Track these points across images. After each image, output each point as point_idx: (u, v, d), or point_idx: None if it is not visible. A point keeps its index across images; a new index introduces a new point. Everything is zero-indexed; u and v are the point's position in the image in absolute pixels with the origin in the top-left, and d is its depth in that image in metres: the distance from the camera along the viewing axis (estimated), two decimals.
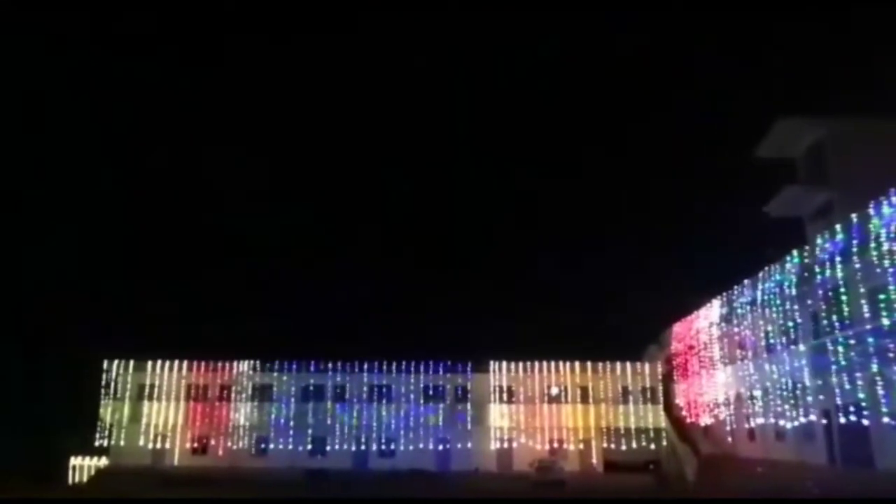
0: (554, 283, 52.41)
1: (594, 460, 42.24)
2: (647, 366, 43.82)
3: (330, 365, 43.75)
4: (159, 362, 44.04)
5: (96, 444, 42.87)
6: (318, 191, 62.92)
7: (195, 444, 42.95)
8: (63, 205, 64.30)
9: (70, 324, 49.49)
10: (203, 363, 44.33)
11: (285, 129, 65.21)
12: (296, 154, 67.27)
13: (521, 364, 44.24)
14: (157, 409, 43.34)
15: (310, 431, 42.93)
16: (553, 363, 43.87)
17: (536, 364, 44.00)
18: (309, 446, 42.44)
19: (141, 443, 42.83)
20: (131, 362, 44.08)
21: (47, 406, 44.15)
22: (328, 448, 42.37)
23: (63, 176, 66.79)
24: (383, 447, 42.56)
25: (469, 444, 42.55)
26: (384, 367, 43.88)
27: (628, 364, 43.77)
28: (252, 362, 44.31)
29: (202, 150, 62.33)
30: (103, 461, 42.84)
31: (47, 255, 55.31)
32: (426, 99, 66.70)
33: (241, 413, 43.43)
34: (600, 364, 43.55)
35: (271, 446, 42.70)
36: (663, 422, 42.20)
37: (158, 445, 42.74)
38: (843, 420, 23.73)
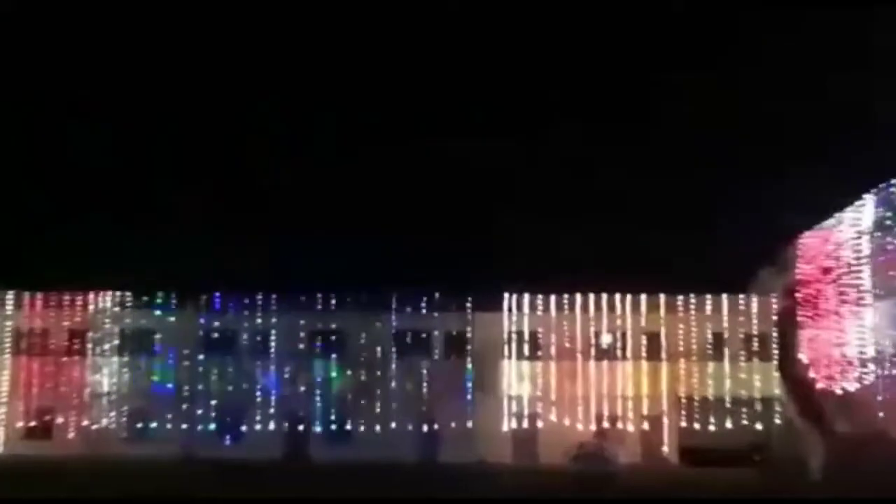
0: (606, 170, 44.49)
1: (665, 447, 38.17)
2: (754, 301, 39.16)
3: (246, 300, 38.26)
4: None
5: None
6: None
7: (31, 423, 37.83)
8: None
9: None
10: (40, 296, 38.58)
11: None
12: None
13: (552, 298, 38.48)
14: None
15: (214, 403, 37.46)
16: (605, 297, 38.46)
17: (578, 298, 38.39)
18: (213, 425, 37.61)
19: None
20: None
21: None
22: (244, 428, 37.54)
23: None
24: (333, 428, 37.57)
25: (469, 424, 37.26)
26: (333, 302, 38.11)
27: (724, 299, 38.91)
28: (119, 295, 38.57)
29: None
30: None
31: None
32: None
33: (105, 373, 37.87)
34: (679, 299, 38.72)
35: (153, 425, 37.39)
36: (778, 388, 38.23)
37: None
38: None
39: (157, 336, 38.57)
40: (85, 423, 37.77)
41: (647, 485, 31.99)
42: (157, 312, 38.43)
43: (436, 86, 45.63)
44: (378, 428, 37.49)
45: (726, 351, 38.59)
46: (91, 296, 38.70)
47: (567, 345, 38.25)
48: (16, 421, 37.93)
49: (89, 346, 38.42)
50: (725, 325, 38.72)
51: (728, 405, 38.18)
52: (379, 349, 38.12)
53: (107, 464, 33.68)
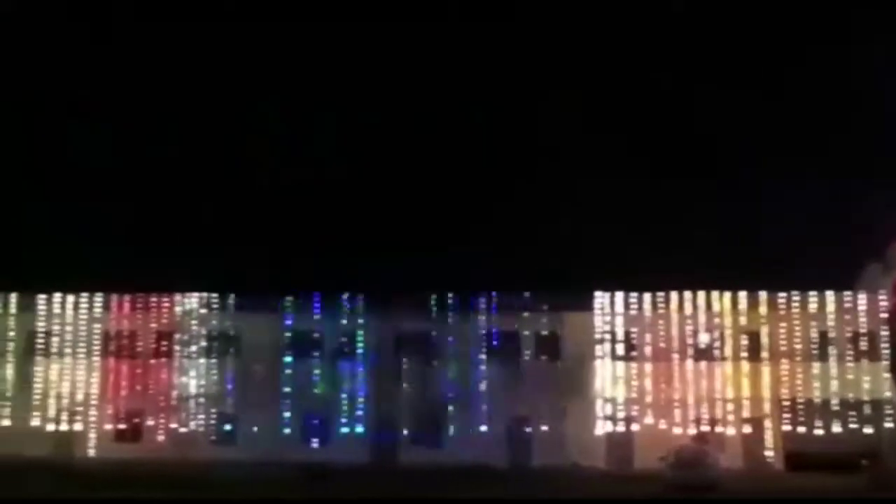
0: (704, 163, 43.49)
1: (769, 451, 37.15)
2: (862, 298, 38.06)
3: (332, 302, 38.96)
4: (58, 297, 39.45)
5: None
6: None
7: (121, 426, 38.35)
8: None
9: None
10: (128, 299, 39.39)
11: None
12: None
13: (647, 296, 37.96)
14: (58, 369, 38.92)
15: (301, 405, 37.98)
16: (703, 294, 37.80)
17: (674, 296, 37.80)
18: (302, 428, 38.10)
19: (36, 423, 38.50)
20: (13, 297, 39.60)
21: None
22: (331, 431, 37.95)
23: None
24: (421, 430, 37.73)
25: (561, 427, 37.00)
26: (421, 304, 38.35)
27: (830, 296, 37.82)
28: (205, 297, 39.37)
29: None
30: None
31: None
32: None
33: (192, 376, 38.66)
34: (782, 296, 37.73)
35: (240, 428, 38.00)
36: (889, 389, 37.04)
37: (64, 427, 38.58)
38: None
39: (243, 337, 39.04)
40: (173, 425, 38.34)
41: (751, 490, 31.10)
42: (243, 314, 38.96)
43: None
44: (468, 430, 37.37)
45: (832, 351, 37.26)
46: (178, 297, 39.40)
47: (662, 345, 37.74)
48: (105, 423, 38.68)
49: (176, 348, 39.06)
50: (831, 323, 37.43)
51: (835, 408, 37.00)
52: (467, 349, 38.13)
53: (196, 467, 33.93)
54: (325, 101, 44.95)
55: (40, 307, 39.54)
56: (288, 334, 38.84)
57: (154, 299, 39.52)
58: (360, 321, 38.76)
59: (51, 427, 38.58)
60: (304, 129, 44.95)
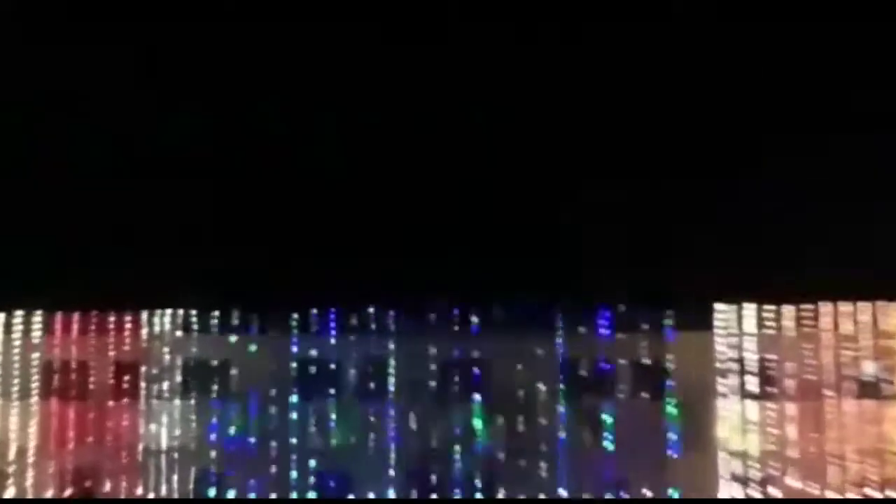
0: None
1: None
2: None
3: (354, 320, 30.52)
4: None
5: None
6: None
7: (68, 491, 30.05)
8: None
9: None
10: (76, 319, 31.57)
11: None
12: None
13: (788, 310, 29.15)
14: None
15: (312, 461, 29.46)
16: (860, 307, 28.92)
17: (821, 308, 29.29)
18: (313, 490, 29.62)
19: None
20: None
21: None
22: (353, 494, 29.54)
23: None
24: (477, 495, 29.12)
25: (670, 490, 28.92)
26: (473, 321, 30.69)
27: None
28: (181, 314, 31.02)
29: None
30: None
31: None
32: None
33: (163, 422, 31.10)
34: None
35: (230, 493, 29.50)
36: None
37: None
38: None
39: (234, 370, 30.22)
40: (138, 490, 29.62)
41: None
42: (234, 338, 30.02)
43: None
44: (541, 495, 28.74)
45: None
46: (144, 316, 30.56)
47: (812, 377, 28.78)
48: (46, 488, 29.89)
49: (142, 384, 30.24)
50: None
51: None
52: (537, 384, 29.28)
53: None
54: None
55: None
56: (294, 364, 30.02)
57: (112, 319, 30.83)
58: (392, 345, 29.78)
59: None
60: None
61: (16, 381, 30.38)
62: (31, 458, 29.98)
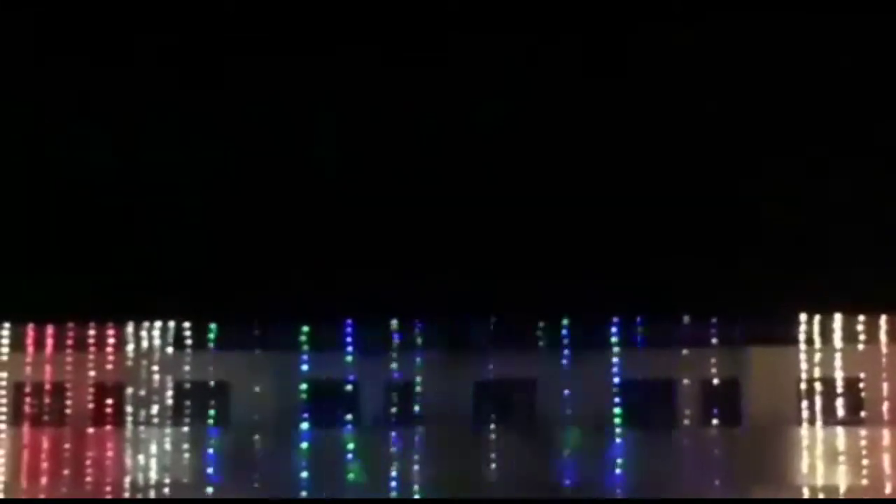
0: None
1: None
2: None
3: (373, 334, 26.67)
4: None
5: None
6: None
7: None
8: None
9: None
10: (51, 333, 27.59)
11: None
12: None
13: (884, 318, 25.97)
14: None
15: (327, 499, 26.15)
16: None
17: None
18: None
19: None
20: None
21: None
22: None
23: None
24: None
25: None
26: (517, 338, 26.10)
27: None
28: (172, 328, 27.22)
29: None
30: None
31: None
32: None
33: (152, 453, 27.01)
34: None
35: None
36: None
37: None
38: None
39: (234, 393, 26.44)
40: None
41: None
42: (234, 355, 26.20)
43: None
44: None
45: None
46: (129, 329, 26.72)
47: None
48: None
49: (128, 409, 26.61)
50: None
51: None
52: (590, 409, 25.37)
53: None
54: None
55: None
56: (304, 386, 26.08)
57: (93, 333, 26.94)
58: (420, 363, 25.92)
59: None
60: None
61: None
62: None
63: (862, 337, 25.02)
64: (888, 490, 24.29)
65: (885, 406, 24.72)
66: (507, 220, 28.01)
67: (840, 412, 25.03)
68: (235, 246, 28.35)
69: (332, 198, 29.20)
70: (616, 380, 25.41)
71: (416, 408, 25.91)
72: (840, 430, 24.83)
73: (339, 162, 30.25)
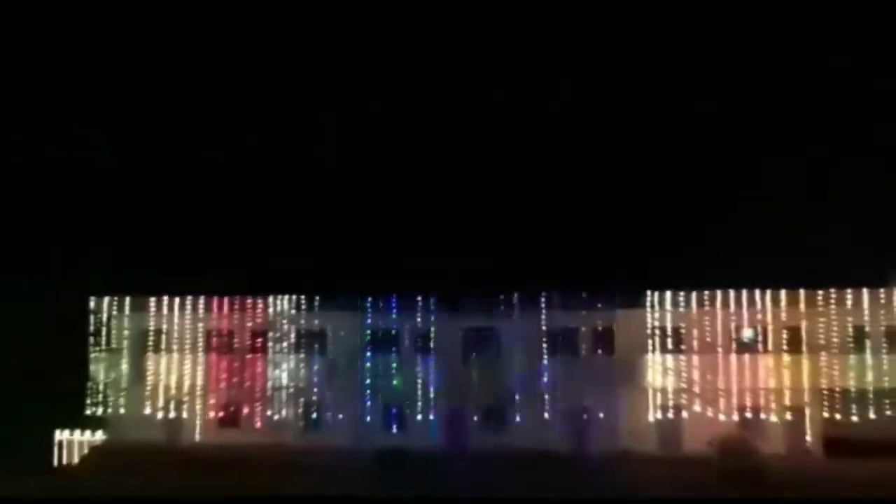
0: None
1: (808, 437, 40.06)
2: None
3: (406, 303, 43.16)
4: (166, 300, 44.02)
5: (87, 412, 43.31)
6: None
7: (222, 413, 42.88)
8: None
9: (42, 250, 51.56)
10: (227, 300, 43.84)
11: None
12: None
13: (693, 295, 41.61)
14: (167, 363, 43.38)
15: (381, 396, 42.24)
16: (744, 293, 41.19)
17: (718, 294, 41.33)
18: (381, 417, 42.17)
19: (148, 411, 42.95)
20: (127, 300, 44.14)
21: (17, 362, 44.13)
22: (408, 419, 41.98)
23: None
24: (489, 418, 41.54)
25: (615, 415, 40.62)
26: (485, 304, 42.27)
27: (865, 292, 40.73)
28: (295, 298, 43.64)
29: None
30: (98, 436, 43.13)
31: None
32: None
33: (283, 369, 42.98)
34: (819, 293, 40.65)
35: (327, 416, 42.26)
36: None
37: (172, 414, 42.90)
38: None
39: (329, 335, 43.63)
40: (268, 413, 43.10)
41: (797, 478, 33.17)
42: (330, 313, 43.65)
43: None
44: (532, 418, 41.48)
45: (868, 344, 40.48)
46: (270, 299, 44.16)
47: (708, 339, 41.45)
48: (209, 411, 43.60)
49: (269, 344, 43.85)
50: (866, 318, 40.67)
51: (871, 396, 40.05)
52: (529, 345, 42.23)
53: (288, 449, 39.75)
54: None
55: (151, 308, 44.58)
56: (368, 332, 43.44)
57: (249, 301, 44.28)
58: (433, 319, 43.19)
59: (160, 415, 43.65)
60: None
61: (187, 341, 44.29)
62: (199, 391, 43.72)
63: (682, 303, 41.72)
64: (698, 388, 40.63)
65: (695, 344, 41.49)
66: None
67: (669, 347, 41.80)
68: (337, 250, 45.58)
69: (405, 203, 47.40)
70: (544, 328, 42.45)
71: (431, 344, 43.07)
72: (670, 359, 41.71)
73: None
